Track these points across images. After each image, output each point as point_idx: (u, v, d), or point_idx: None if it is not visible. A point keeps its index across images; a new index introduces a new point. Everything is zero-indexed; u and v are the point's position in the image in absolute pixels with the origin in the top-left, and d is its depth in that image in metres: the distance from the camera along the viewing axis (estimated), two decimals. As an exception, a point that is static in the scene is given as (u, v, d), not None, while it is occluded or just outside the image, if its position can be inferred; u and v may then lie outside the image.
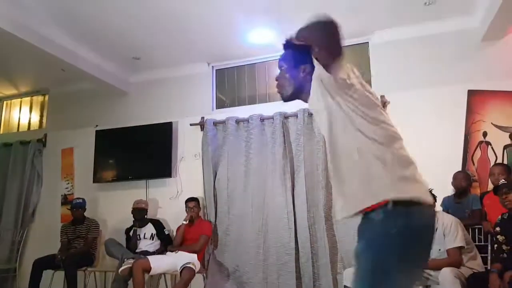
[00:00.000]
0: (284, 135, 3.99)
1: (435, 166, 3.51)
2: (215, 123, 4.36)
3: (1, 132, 5.83)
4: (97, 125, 4.98)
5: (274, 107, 4.17)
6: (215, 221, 4.11)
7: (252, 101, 4.60)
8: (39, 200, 5.09)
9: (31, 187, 5.10)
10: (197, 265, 3.71)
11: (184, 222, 4.00)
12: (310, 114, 3.98)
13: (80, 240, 4.25)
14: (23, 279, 4.59)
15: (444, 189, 3.31)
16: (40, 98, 5.69)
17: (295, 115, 4.00)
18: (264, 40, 4.12)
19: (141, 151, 4.66)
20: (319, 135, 3.89)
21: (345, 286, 3.13)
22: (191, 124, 4.54)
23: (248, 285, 3.74)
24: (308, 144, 3.92)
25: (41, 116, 5.64)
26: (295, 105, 4.00)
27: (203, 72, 4.73)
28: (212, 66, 4.76)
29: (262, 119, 4.15)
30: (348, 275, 3.12)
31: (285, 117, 4.06)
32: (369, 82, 4.04)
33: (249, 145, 4.14)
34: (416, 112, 3.75)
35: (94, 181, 4.78)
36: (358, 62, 4.16)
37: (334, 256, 3.61)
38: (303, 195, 3.75)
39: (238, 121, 4.25)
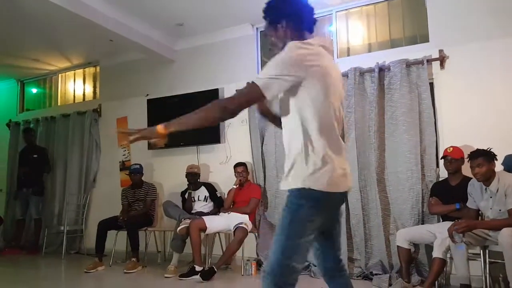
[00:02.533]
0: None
1: (500, 122, 3.39)
2: (261, 87, 4.42)
3: (59, 103, 6.37)
4: (147, 94, 5.27)
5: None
6: (264, 184, 4.30)
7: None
8: (98, 167, 5.60)
9: (90, 155, 5.60)
10: (249, 225, 3.96)
11: (234, 186, 4.23)
12: (362, 74, 3.92)
13: (139, 202, 4.67)
14: (89, 239, 5.20)
15: (509, 147, 3.18)
16: (92, 70, 6.09)
17: (345, 74, 3.95)
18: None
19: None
20: (371, 95, 3.85)
21: (398, 246, 3.21)
22: (237, 90, 4.65)
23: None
24: (359, 105, 3.89)
25: (94, 87, 6.07)
26: (346, 65, 3.97)
27: (247, 35, 4.78)
28: (256, 28, 4.78)
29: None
30: (401, 236, 3.20)
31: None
32: (426, 35, 3.88)
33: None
34: (479, 67, 3.56)
35: (148, 148, 5.14)
36: (414, 15, 3.97)
37: (386, 217, 3.67)
38: (354, 157, 3.78)
39: (284, 84, 4.29)
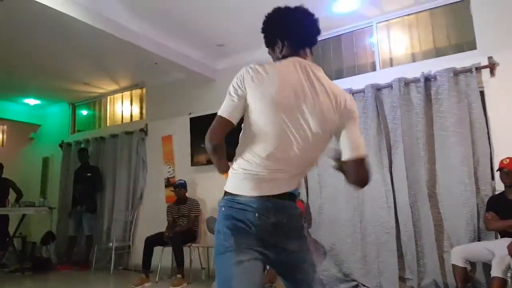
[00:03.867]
0: (377, 109, 3.93)
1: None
2: (302, 102, 4.44)
3: (108, 124, 6.74)
4: (190, 113, 5.46)
5: (364, 79, 4.12)
6: (307, 200, 4.26)
7: (339, 75, 4.57)
8: (145, 184, 5.82)
9: (137, 172, 5.85)
10: (293, 243, 3.91)
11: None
12: (407, 84, 3.83)
13: (183, 218, 4.80)
14: (136, 255, 5.37)
15: None
16: (138, 91, 6.42)
17: (389, 86, 3.90)
18: (350, 8, 4.07)
19: (232, 135, 4.97)
20: (418, 105, 3.74)
21: (453, 264, 3.05)
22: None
23: (346, 262, 3.84)
24: (406, 116, 3.79)
25: (141, 107, 6.38)
26: (389, 75, 3.92)
27: (286, 51, 4.83)
28: (296, 44, 4.82)
29: (352, 94, 4.12)
30: (456, 253, 3.04)
31: (378, 89, 3.98)
32: (473, 42, 3.75)
33: (339, 122, 4.14)
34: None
35: (192, 165, 5.29)
36: (458, 22, 3.86)
37: (439, 234, 3.51)
38: (403, 171, 3.68)
39: (325, 98, 4.27)
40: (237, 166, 1.41)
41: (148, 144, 5.91)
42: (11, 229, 5.77)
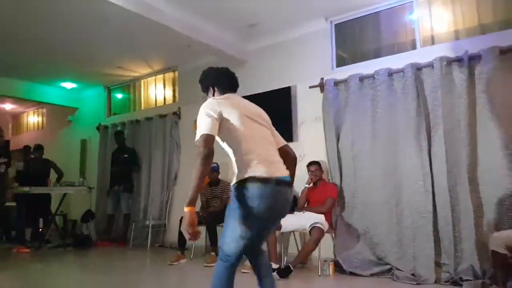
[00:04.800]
0: (417, 90, 3.80)
1: None
2: (336, 83, 4.38)
3: (142, 107, 6.91)
4: (222, 95, 5.48)
5: (404, 59, 3.99)
6: (341, 183, 4.23)
7: (377, 54, 4.44)
8: (179, 166, 5.97)
9: (171, 154, 6.01)
10: (325, 225, 3.94)
11: (307, 186, 4.22)
12: (449, 63, 3.68)
13: (216, 199, 4.92)
14: (172, 233, 5.59)
15: None
16: (171, 75, 6.53)
17: (431, 65, 3.75)
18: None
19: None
20: (460, 86, 3.60)
21: (492, 251, 2.96)
22: (310, 87, 4.66)
23: (380, 246, 3.82)
24: (447, 97, 3.65)
25: (174, 91, 6.50)
26: (430, 54, 3.78)
27: (320, 30, 4.75)
28: (331, 21, 4.74)
29: (390, 73, 4.01)
30: (496, 239, 2.95)
31: (418, 68, 3.84)
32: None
33: (376, 104, 4.06)
34: None
35: (223, 148, 5.33)
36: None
37: (478, 219, 3.40)
38: (442, 155, 3.57)
39: (362, 78, 4.19)
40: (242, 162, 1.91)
41: (181, 127, 6.03)
42: (53, 207, 6.11)
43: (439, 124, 3.63)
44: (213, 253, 4.46)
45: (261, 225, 1.92)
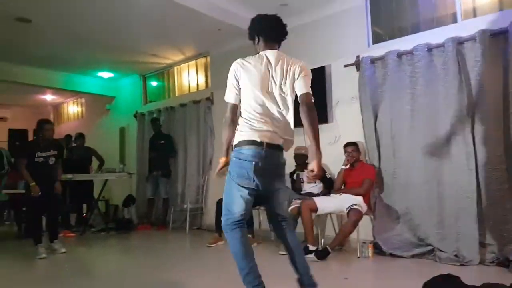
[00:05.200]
0: (459, 65, 3.62)
1: None
2: (373, 60, 4.26)
3: (177, 94, 7.04)
4: (254, 79, 5.48)
5: (444, 33, 3.80)
6: (379, 164, 4.15)
7: (415, 29, 4.25)
8: (213, 151, 6.06)
9: (206, 140, 6.14)
10: (363, 207, 3.89)
11: (343, 167, 4.17)
12: (493, 36, 3.47)
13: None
14: (209, 216, 5.72)
15: None
16: (203, 60, 6.59)
17: (473, 38, 3.56)
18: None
19: (297, 99, 4.96)
20: (504, 60, 3.39)
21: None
22: (345, 65, 4.56)
23: (422, 227, 3.74)
24: (491, 72, 3.44)
25: (206, 76, 6.56)
26: (472, 27, 3.59)
27: (355, 6, 4.61)
28: (366, -4, 4.58)
29: (430, 49, 3.85)
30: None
31: (459, 42, 3.65)
32: None
33: (415, 81, 3.92)
34: None
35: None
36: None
37: (526, 199, 3.25)
38: (486, 132, 3.42)
39: (400, 55, 4.05)
40: (242, 125, 2.18)
41: (214, 112, 6.10)
42: (95, 193, 6.40)
43: (483, 100, 3.47)
44: (249, 235, 4.52)
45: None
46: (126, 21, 5.02)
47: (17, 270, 3.88)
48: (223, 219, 2.17)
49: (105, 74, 7.57)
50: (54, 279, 3.56)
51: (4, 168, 5.54)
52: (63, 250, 4.44)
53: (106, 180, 6.18)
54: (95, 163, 6.59)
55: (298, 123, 2.28)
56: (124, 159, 7.64)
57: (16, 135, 7.17)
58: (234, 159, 2.16)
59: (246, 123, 2.16)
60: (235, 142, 2.20)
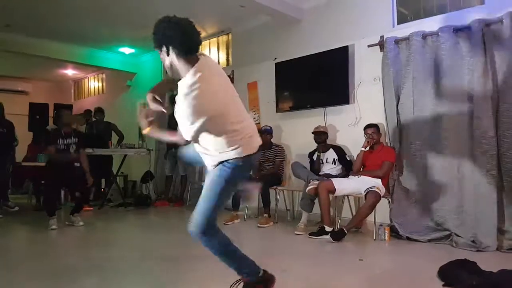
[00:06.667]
0: (485, 48, 3.56)
1: None
2: (397, 41, 4.22)
3: (197, 72, 7.08)
4: (275, 58, 5.50)
5: (471, 14, 3.75)
6: (399, 147, 4.16)
7: (442, 9, 4.19)
8: (232, 130, 6.12)
9: (225, 118, 6.15)
10: (381, 190, 3.93)
11: (363, 149, 4.19)
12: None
13: (269, 163, 5.06)
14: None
15: None
16: (224, 38, 6.61)
17: (500, 20, 3.49)
18: None
19: (318, 80, 4.98)
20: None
21: None
22: (369, 46, 4.52)
23: (440, 212, 3.77)
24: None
25: (227, 54, 6.58)
26: (500, 8, 3.52)
27: (381, -15, 4.54)
28: (391, -25, 4.50)
29: (456, 30, 3.78)
30: None
31: (486, 24, 3.58)
32: None
33: (440, 63, 3.88)
34: None
35: (276, 111, 5.42)
36: None
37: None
38: (510, 117, 3.39)
39: (425, 36, 4.00)
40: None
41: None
42: (114, 168, 6.59)
43: (508, 84, 3.42)
44: (266, 215, 4.65)
45: None
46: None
47: (31, 241, 4.10)
48: (207, 221, 1.97)
49: (127, 50, 7.67)
50: (69, 250, 3.77)
51: (16, 140, 5.76)
52: (81, 223, 4.66)
53: (125, 155, 6.34)
54: (114, 138, 6.76)
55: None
56: (143, 135, 7.78)
57: (36, 109, 7.39)
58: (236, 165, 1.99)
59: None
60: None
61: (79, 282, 2.67)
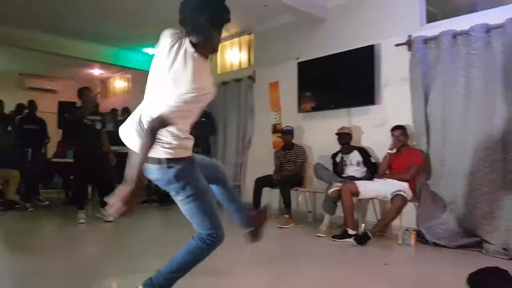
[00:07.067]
0: (520, 47, 3.41)
1: None
2: (426, 40, 4.09)
3: (219, 72, 7.11)
4: (298, 57, 5.45)
5: (504, 13, 3.59)
6: (427, 150, 4.04)
7: (473, 8, 4.04)
8: (253, 130, 6.14)
9: (246, 118, 6.22)
10: (408, 193, 3.82)
11: (390, 151, 4.08)
12: None
13: (290, 163, 5.03)
14: (246, 193, 5.82)
15: None
16: (246, 38, 6.60)
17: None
18: None
19: (342, 79, 4.89)
20: None
21: None
22: (396, 45, 4.41)
23: (469, 217, 3.62)
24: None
25: (249, 54, 6.58)
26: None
27: (409, -18, 4.41)
28: (421, -28, 4.37)
29: (488, 29, 3.63)
30: None
31: (522, 22, 3.42)
32: None
33: (470, 63, 3.73)
34: None
35: (298, 111, 5.37)
36: None
37: None
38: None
39: (455, 35, 3.86)
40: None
41: (256, 90, 6.14)
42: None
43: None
44: (287, 216, 4.60)
45: None
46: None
47: (59, 234, 4.21)
48: (217, 232, 1.90)
49: (151, 50, 7.76)
50: (97, 244, 3.82)
51: (48, 137, 5.92)
52: (111, 218, 4.72)
53: (150, 153, 6.41)
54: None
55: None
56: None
57: (65, 108, 7.61)
58: None
59: None
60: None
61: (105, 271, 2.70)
